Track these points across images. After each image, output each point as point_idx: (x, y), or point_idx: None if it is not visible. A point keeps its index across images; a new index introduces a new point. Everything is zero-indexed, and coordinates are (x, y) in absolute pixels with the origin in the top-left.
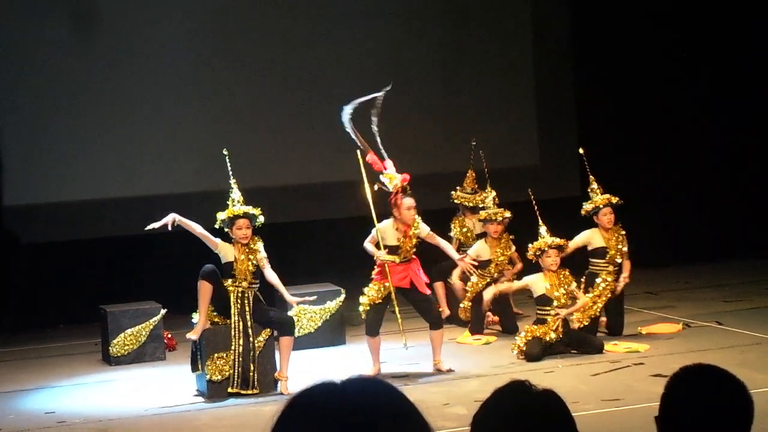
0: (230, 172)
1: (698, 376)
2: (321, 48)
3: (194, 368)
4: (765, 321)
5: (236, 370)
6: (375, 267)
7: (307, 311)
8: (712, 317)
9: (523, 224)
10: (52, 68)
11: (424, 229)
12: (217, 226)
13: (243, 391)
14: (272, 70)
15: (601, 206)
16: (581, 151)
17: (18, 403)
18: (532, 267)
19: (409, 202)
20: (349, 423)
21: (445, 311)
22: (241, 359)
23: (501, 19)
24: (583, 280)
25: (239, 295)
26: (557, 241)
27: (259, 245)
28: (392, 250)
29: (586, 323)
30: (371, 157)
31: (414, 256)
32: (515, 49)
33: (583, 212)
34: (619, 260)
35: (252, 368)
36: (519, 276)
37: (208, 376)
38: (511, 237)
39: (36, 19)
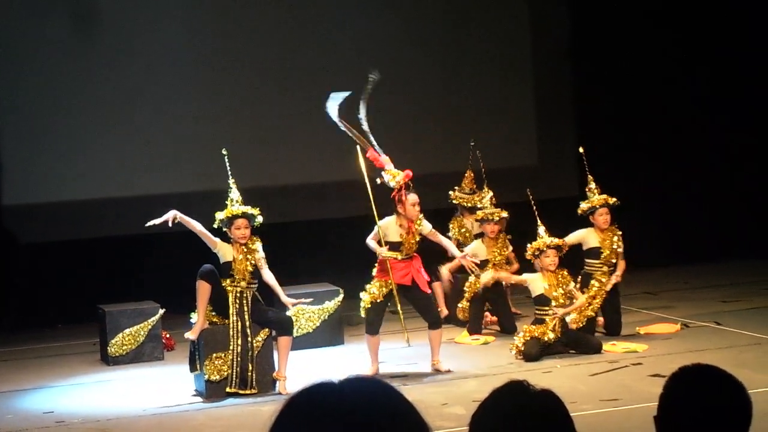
0: (229, 172)
1: (697, 376)
2: (321, 48)
3: (192, 368)
4: (763, 321)
5: (234, 370)
6: (376, 264)
7: (306, 311)
8: (711, 317)
9: (522, 224)
10: (52, 68)
11: (426, 226)
12: (215, 226)
13: (241, 391)
14: (272, 70)
15: (598, 206)
16: (581, 150)
17: (16, 403)
18: (528, 267)
19: (413, 198)
20: (347, 423)
21: (444, 311)
22: (239, 359)
23: (500, 19)
24: (578, 280)
25: (237, 295)
26: (556, 241)
27: (258, 245)
28: (395, 246)
29: (582, 324)
30: (371, 153)
31: (416, 254)
32: (514, 50)
33: (579, 212)
34: (613, 261)
35: (250, 368)
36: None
37: (206, 376)
38: (508, 237)
39: (36, 19)
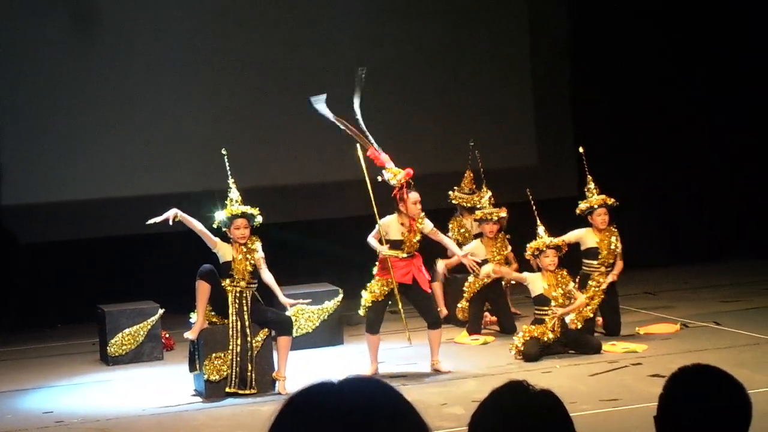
0: (228, 172)
1: (697, 377)
2: (320, 48)
3: (192, 368)
4: (763, 321)
5: (234, 370)
6: (376, 263)
7: (305, 311)
8: (710, 317)
9: (521, 224)
10: (52, 68)
11: (427, 225)
12: (215, 226)
13: (241, 391)
14: (272, 70)
15: (596, 207)
16: (581, 150)
17: (16, 403)
18: (527, 267)
19: (415, 196)
20: (346, 423)
21: (443, 311)
22: (238, 359)
23: (499, 19)
24: (576, 281)
25: (237, 294)
26: (555, 241)
27: (257, 245)
28: (396, 244)
29: (580, 325)
30: (372, 151)
31: (417, 253)
32: (513, 50)
33: (577, 211)
34: (611, 261)
35: (250, 368)
36: None
37: (205, 376)
38: (507, 236)
39: (36, 19)
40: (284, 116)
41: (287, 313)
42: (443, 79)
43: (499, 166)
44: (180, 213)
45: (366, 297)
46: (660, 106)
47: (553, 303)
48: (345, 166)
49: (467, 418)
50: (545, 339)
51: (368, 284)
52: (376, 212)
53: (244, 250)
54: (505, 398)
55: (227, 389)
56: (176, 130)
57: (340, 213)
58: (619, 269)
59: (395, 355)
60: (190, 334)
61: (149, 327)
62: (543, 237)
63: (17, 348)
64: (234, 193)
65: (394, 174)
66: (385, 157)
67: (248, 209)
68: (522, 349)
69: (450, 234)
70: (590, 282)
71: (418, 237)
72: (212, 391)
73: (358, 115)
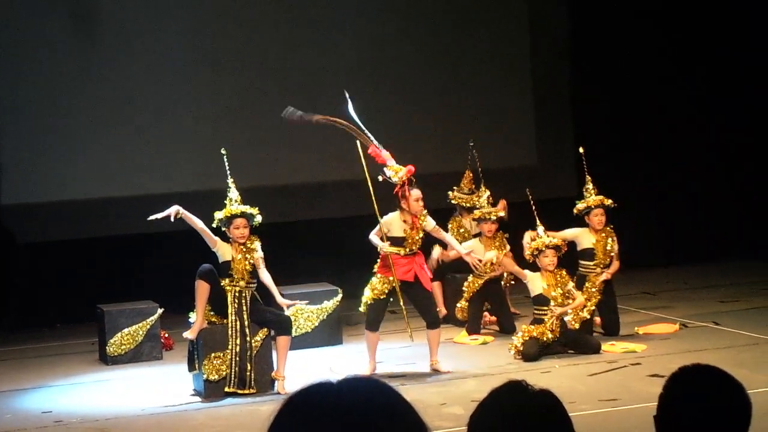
0: (228, 172)
1: (697, 376)
2: (321, 48)
3: (191, 368)
4: (762, 321)
5: (233, 370)
6: (378, 261)
7: (305, 311)
8: (709, 317)
9: (521, 224)
10: (52, 68)
11: (430, 223)
12: (214, 226)
13: (240, 391)
14: (272, 69)
15: (593, 207)
16: (581, 150)
17: (15, 403)
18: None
19: (416, 193)
20: (345, 423)
21: (443, 311)
22: (238, 359)
23: (499, 19)
24: (573, 282)
25: (236, 294)
26: (554, 241)
27: (256, 245)
28: (398, 241)
29: (577, 326)
30: (373, 149)
31: (419, 251)
32: (513, 50)
33: (575, 211)
34: (607, 263)
35: (249, 368)
36: (513, 275)
37: (205, 376)
38: (505, 236)
39: (36, 19)
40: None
41: (287, 313)
42: (443, 79)
43: (499, 166)
44: (182, 210)
45: (367, 294)
46: (660, 106)
47: (552, 303)
48: (345, 165)
49: (466, 417)
50: (544, 339)
51: (370, 281)
52: (376, 210)
53: (244, 249)
54: (504, 398)
55: (226, 389)
56: (176, 130)
57: (340, 213)
58: (614, 269)
59: (394, 354)
60: (189, 334)
61: (148, 327)
62: (542, 237)
63: (16, 348)
64: (233, 193)
65: (395, 171)
66: (386, 155)
67: (247, 209)
68: (521, 349)
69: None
70: (587, 284)
71: (420, 234)
72: (211, 390)
73: (356, 119)
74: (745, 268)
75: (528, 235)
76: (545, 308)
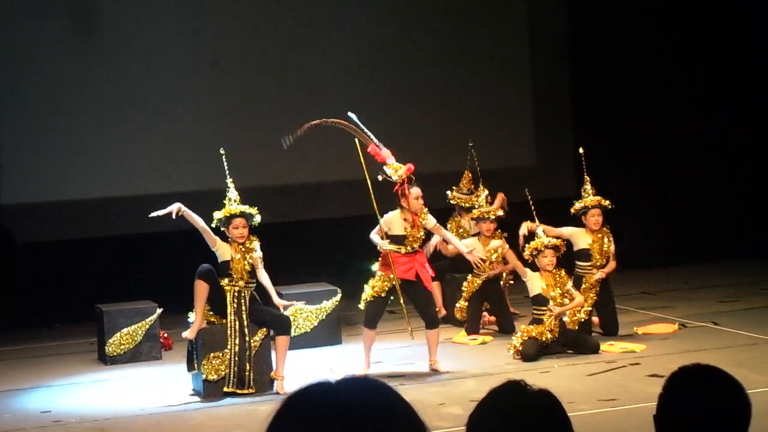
0: (227, 172)
1: (696, 376)
2: (321, 48)
3: (190, 368)
4: (761, 321)
5: (232, 370)
6: (379, 259)
7: (304, 311)
8: (708, 317)
9: (520, 224)
10: (52, 68)
11: (431, 221)
12: (213, 225)
13: (239, 391)
14: (272, 69)
15: (590, 207)
16: (581, 150)
17: (14, 403)
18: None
19: (416, 191)
20: (344, 423)
21: (442, 311)
22: (237, 359)
23: (498, 19)
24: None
25: (235, 294)
26: (554, 241)
27: (256, 245)
28: (399, 240)
29: (575, 328)
30: (372, 148)
31: (420, 249)
32: (512, 50)
33: (572, 210)
34: (603, 263)
35: (248, 368)
36: (512, 274)
37: (204, 376)
38: (504, 235)
39: (36, 19)
40: (284, 116)
41: (286, 313)
42: (443, 79)
43: (498, 166)
44: (183, 208)
45: (367, 291)
46: (660, 106)
47: (551, 303)
48: (344, 165)
49: (465, 417)
50: (543, 339)
51: (370, 279)
52: (376, 209)
53: (243, 249)
54: (503, 398)
55: (225, 389)
56: (176, 130)
57: (337, 213)
58: (610, 268)
59: (393, 354)
60: (188, 334)
61: (147, 327)
62: (541, 237)
63: (15, 347)
64: (232, 193)
65: (395, 170)
66: (386, 153)
67: (246, 209)
68: (520, 349)
69: None
70: (583, 284)
71: (421, 232)
72: (210, 390)
73: (356, 119)
74: (745, 268)
75: (525, 226)
76: (544, 308)
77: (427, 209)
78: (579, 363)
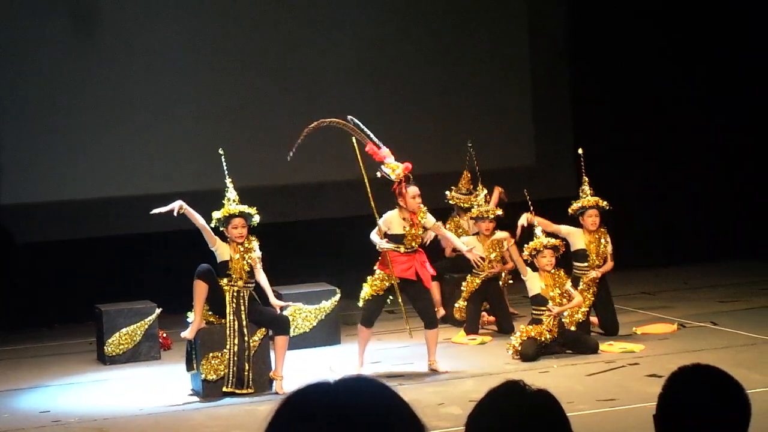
0: (226, 172)
1: (696, 376)
2: (320, 48)
3: (189, 367)
4: (760, 321)
5: (231, 370)
6: (378, 258)
7: (303, 311)
8: (708, 317)
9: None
10: (52, 68)
11: (430, 220)
12: (212, 225)
13: (238, 391)
14: (272, 69)
15: (588, 207)
16: (580, 151)
17: (13, 402)
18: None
19: (413, 190)
20: (343, 423)
21: (441, 311)
22: (236, 358)
23: (498, 19)
24: None
25: (234, 294)
26: (553, 241)
27: (255, 245)
28: (398, 239)
29: (573, 328)
30: (370, 147)
31: (420, 249)
32: (512, 50)
33: (570, 211)
34: (600, 264)
35: (247, 368)
36: (511, 274)
37: (203, 376)
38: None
39: (36, 19)
40: (284, 116)
41: (285, 313)
42: (443, 79)
43: (498, 166)
44: (185, 206)
45: (366, 290)
46: (659, 106)
47: (550, 303)
48: (344, 165)
49: (464, 417)
50: (542, 339)
51: (369, 277)
52: (374, 208)
53: (242, 249)
54: (502, 398)
55: (224, 389)
56: (176, 130)
57: (336, 213)
58: (607, 268)
59: (392, 354)
60: (187, 334)
61: (146, 326)
62: (540, 237)
63: (15, 347)
64: (231, 193)
65: (392, 169)
66: (386, 152)
67: (245, 209)
68: (519, 349)
69: None
70: (581, 285)
71: (420, 232)
72: (209, 390)
73: (356, 120)
74: (745, 268)
75: (524, 217)
76: (543, 308)
77: (425, 208)
78: (578, 363)
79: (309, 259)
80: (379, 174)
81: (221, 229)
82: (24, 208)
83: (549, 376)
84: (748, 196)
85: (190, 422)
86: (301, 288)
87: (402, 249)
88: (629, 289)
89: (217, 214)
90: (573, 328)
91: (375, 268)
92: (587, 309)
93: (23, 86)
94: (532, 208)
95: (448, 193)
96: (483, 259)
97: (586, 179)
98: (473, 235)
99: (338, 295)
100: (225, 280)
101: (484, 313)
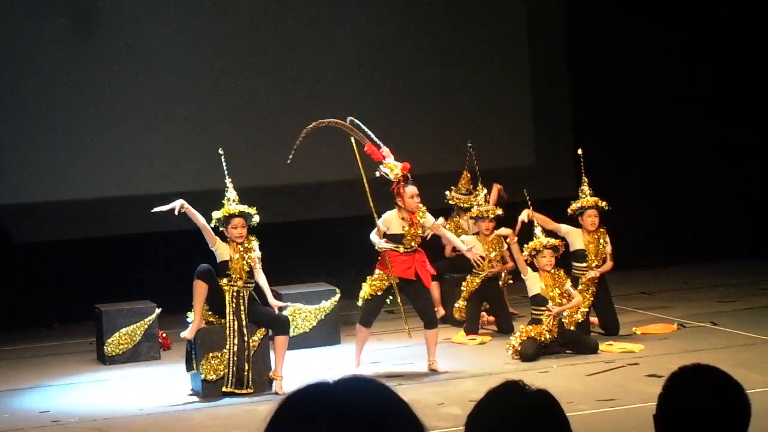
0: (225, 172)
1: (696, 376)
2: (321, 48)
3: (189, 367)
4: (760, 321)
5: (231, 370)
6: (379, 258)
7: (302, 311)
8: (707, 317)
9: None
10: (52, 68)
11: (429, 219)
12: (212, 225)
13: (237, 391)
14: (272, 69)
15: (587, 207)
16: (580, 152)
17: (13, 402)
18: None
19: (411, 190)
20: (342, 423)
21: (440, 311)
22: (235, 358)
23: (497, 20)
24: None
25: (234, 294)
26: (552, 241)
27: (254, 244)
28: (397, 239)
29: (572, 328)
30: (369, 147)
31: (419, 248)
32: (512, 50)
33: (569, 211)
34: (599, 264)
35: (247, 367)
36: (511, 274)
37: (202, 376)
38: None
39: (36, 19)
40: (284, 116)
41: (285, 313)
42: (442, 80)
43: (498, 166)
44: (186, 205)
45: (365, 290)
46: (659, 106)
47: (550, 303)
48: (343, 165)
49: (464, 417)
50: (542, 339)
51: (368, 277)
52: (372, 208)
53: (242, 249)
54: (502, 398)
55: (224, 389)
56: (176, 130)
57: (336, 213)
58: (606, 267)
59: (392, 354)
60: (187, 334)
61: (146, 326)
62: (540, 237)
63: (14, 347)
64: (231, 193)
65: (391, 168)
66: (385, 151)
67: (245, 208)
68: (519, 349)
69: None
70: (579, 286)
71: (419, 231)
72: (209, 390)
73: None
74: (745, 268)
75: (525, 213)
76: (543, 308)
77: (424, 208)
78: (578, 363)
79: (309, 259)
80: (377, 174)
81: (221, 229)
82: (24, 208)
83: (549, 376)
84: (748, 196)
85: (189, 422)
86: (300, 288)
87: (401, 249)
88: (629, 289)
89: (216, 214)
90: (572, 329)
91: (375, 268)
92: (586, 309)
93: (23, 86)
94: (530, 204)
95: (447, 193)
96: (483, 258)
97: (586, 179)
98: (473, 234)
99: (338, 295)
100: (225, 280)
101: (483, 313)
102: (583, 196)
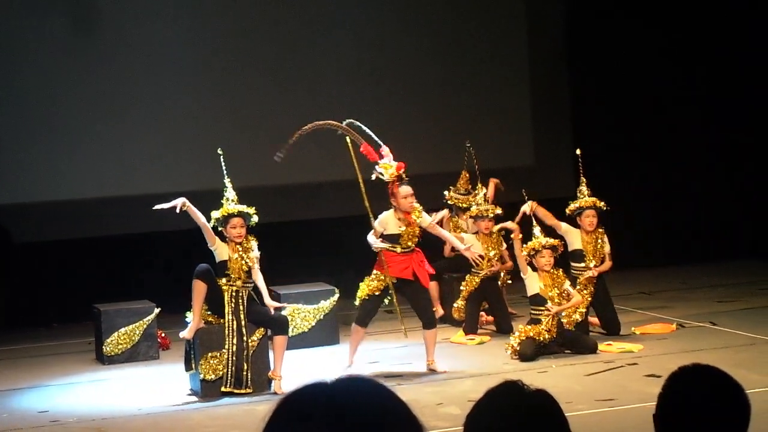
0: (225, 172)
1: (696, 376)
2: (320, 48)
3: (188, 367)
4: (759, 321)
5: (230, 370)
6: (376, 258)
7: (301, 311)
8: (707, 317)
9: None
10: (51, 67)
11: (426, 219)
12: (211, 225)
13: (236, 391)
14: (272, 69)
15: (585, 208)
16: (578, 152)
17: (11, 402)
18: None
19: (405, 190)
20: (340, 423)
21: (439, 311)
22: (234, 358)
23: (497, 19)
24: None
25: (233, 294)
26: (551, 241)
27: (253, 244)
28: (394, 239)
29: (571, 328)
30: (365, 148)
31: (417, 248)
32: (511, 50)
33: (567, 211)
34: (598, 264)
35: (245, 367)
36: (510, 274)
37: (201, 375)
38: (501, 234)
39: (36, 19)
40: (284, 116)
41: (283, 312)
42: (442, 79)
43: (497, 166)
44: (187, 203)
45: (362, 289)
46: (659, 106)
47: (549, 303)
48: (342, 165)
49: (463, 417)
50: (541, 339)
51: (366, 277)
52: (368, 209)
53: (240, 249)
54: (501, 398)
55: (223, 389)
56: (176, 130)
57: (335, 213)
58: (605, 267)
59: (390, 354)
60: (185, 334)
61: (145, 326)
62: (539, 237)
63: (13, 347)
64: (230, 193)
65: (386, 168)
66: (385, 151)
67: (244, 208)
68: (518, 349)
69: None
70: (577, 286)
71: (416, 231)
72: (208, 390)
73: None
74: (744, 268)
75: (528, 205)
76: (542, 308)
77: (420, 207)
78: (577, 363)
79: (307, 259)
80: (374, 175)
81: (220, 228)
82: (23, 207)
83: (548, 376)
84: (747, 196)
85: (188, 422)
86: (299, 288)
87: (398, 249)
88: (628, 289)
89: (215, 214)
90: (571, 328)
91: (374, 269)
92: (585, 309)
93: (22, 85)
94: (527, 198)
95: (446, 193)
96: (482, 257)
97: (584, 180)
98: (472, 234)
99: (337, 295)
100: (224, 280)
101: (482, 313)
102: (581, 196)
